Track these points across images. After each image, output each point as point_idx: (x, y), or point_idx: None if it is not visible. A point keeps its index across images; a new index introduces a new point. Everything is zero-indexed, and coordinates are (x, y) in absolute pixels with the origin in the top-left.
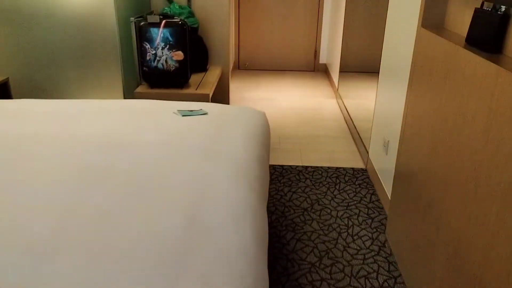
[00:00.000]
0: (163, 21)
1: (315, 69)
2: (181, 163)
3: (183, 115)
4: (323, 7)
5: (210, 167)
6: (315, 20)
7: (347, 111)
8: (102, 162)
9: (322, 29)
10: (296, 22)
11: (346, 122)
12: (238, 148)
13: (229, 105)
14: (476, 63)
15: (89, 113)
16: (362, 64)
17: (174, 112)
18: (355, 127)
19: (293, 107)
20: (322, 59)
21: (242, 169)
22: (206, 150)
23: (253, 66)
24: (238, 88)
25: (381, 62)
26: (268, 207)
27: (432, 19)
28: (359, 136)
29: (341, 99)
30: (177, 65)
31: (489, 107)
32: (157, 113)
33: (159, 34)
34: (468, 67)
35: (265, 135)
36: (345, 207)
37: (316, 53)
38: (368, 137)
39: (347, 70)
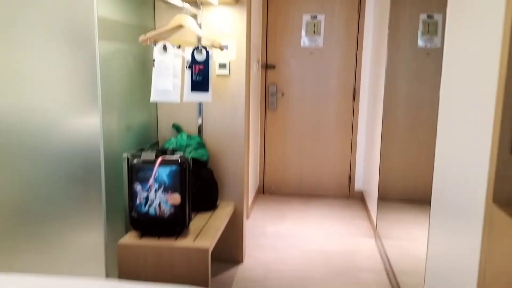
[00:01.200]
0: (159, 159)
1: (350, 196)
2: None
3: None
4: (357, 126)
5: None
6: (349, 140)
7: (388, 259)
8: None
9: (357, 151)
10: (328, 143)
11: (388, 275)
12: None
13: None
14: None
15: None
16: (405, 191)
17: None
18: (398, 285)
19: (321, 249)
20: (358, 185)
21: None
22: None
23: (279, 190)
24: (260, 220)
25: (432, 190)
26: None
27: None
28: None
29: (380, 240)
30: (172, 210)
31: None
32: None
33: (153, 174)
34: None
35: None
36: None
37: (350, 178)
38: None
39: (387, 198)
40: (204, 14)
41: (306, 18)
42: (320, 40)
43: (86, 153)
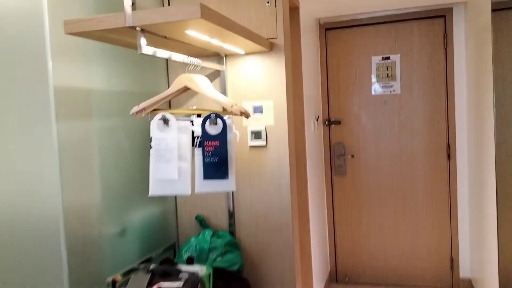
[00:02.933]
0: (155, 286)
1: (454, 286)
2: None
3: None
4: (456, 194)
5: None
6: (446, 212)
7: None
8: None
9: (459, 226)
10: (417, 216)
11: None
12: None
13: None
14: None
15: None
16: None
17: None
18: None
19: None
20: (464, 272)
21: None
22: None
23: (357, 278)
24: None
25: None
26: None
27: None
28: None
29: None
30: None
31: None
32: None
33: None
34: None
35: None
36: None
37: (452, 263)
38: None
39: None
40: (230, 68)
41: (376, 60)
42: (396, 86)
43: (44, 278)
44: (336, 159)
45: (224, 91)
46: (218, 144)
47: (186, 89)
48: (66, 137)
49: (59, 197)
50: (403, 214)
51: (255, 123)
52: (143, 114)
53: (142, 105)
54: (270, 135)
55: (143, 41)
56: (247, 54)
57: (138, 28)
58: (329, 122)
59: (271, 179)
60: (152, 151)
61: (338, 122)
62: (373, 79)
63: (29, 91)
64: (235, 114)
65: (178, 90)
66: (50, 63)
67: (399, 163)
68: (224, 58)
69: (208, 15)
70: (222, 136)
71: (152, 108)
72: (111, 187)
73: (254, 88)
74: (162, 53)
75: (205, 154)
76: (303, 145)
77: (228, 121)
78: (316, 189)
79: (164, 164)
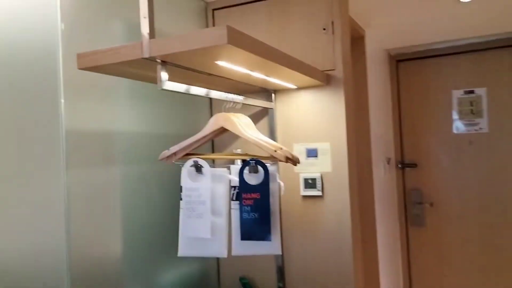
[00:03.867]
0: None
1: None
2: None
3: None
4: None
5: None
6: None
7: None
8: None
9: None
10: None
11: None
12: None
13: None
14: None
15: None
16: None
17: None
18: None
19: None
20: None
21: None
22: None
23: None
24: None
25: None
26: None
27: None
28: None
29: None
30: None
31: None
32: None
33: None
34: None
35: None
36: None
37: None
38: None
39: None
40: (279, 105)
41: (457, 94)
42: (483, 123)
43: None
44: (412, 208)
45: (272, 132)
46: (259, 196)
47: (223, 130)
48: (78, 185)
49: (64, 253)
50: (494, 274)
51: (309, 169)
52: (174, 159)
53: (173, 149)
54: (327, 183)
55: (163, 75)
56: (299, 88)
57: (158, 60)
58: (403, 165)
59: (329, 236)
60: (182, 204)
61: (413, 165)
62: (454, 116)
63: (39, 133)
64: (280, 161)
65: (213, 132)
66: (62, 102)
67: (488, 213)
68: (273, 94)
69: (239, 40)
70: (264, 187)
71: (184, 153)
72: (136, 243)
73: (308, 128)
74: (189, 90)
75: (243, 208)
76: (370, 193)
77: (271, 169)
78: (388, 242)
79: (195, 219)
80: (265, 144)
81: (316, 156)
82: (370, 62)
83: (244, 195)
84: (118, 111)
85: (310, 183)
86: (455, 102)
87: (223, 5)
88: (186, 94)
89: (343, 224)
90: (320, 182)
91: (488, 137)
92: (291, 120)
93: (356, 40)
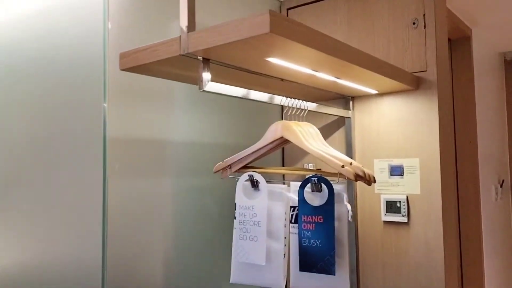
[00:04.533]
0: None
1: None
2: None
3: None
4: None
5: None
6: None
7: None
8: None
9: None
10: None
11: None
12: None
13: None
14: None
15: None
16: None
17: None
18: None
19: None
20: None
21: None
22: None
23: None
24: None
25: None
26: None
27: None
28: None
29: None
30: None
31: None
32: None
33: None
34: None
35: None
36: None
37: None
38: None
39: None
40: (358, 114)
41: None
42: None
43: None
44: None
45: (349, 145)
46: (321, 220)
47: (285, 141)
48: (119, 194)
49: (99, 266)
50: None
51: (393, 189)
52: (229, 172)
53: (228, 160)
54: (414, 207)
55: (205, 75)
56: (382, 94)
57: (199, 57)
58: None
59: (415, 273)
60: (235, 223)
61: None
62: None
63: (83, 140)
64: (348, 179)
65: (272, 142)
66: (104, 106)
67: None
68: (351, 101)
69: (287, 29)
70: (327, 209)
71: (241, 165)
72: (183, 264)
73: (392, 141)
74: (232, 91)
75: (302, 233)
76: (476, 221)
77: (337, 188)
78: (502, 285)
79: (249, 242)
80: (330, 158)
81: (401, 175)
82: (478, 67)
83: (304, 217)
84: (170, 118)
85: (393, 207)
86: None
87: (297, 4)
88: (252, 101)
89: (434, 258)
90: (406, 206)
91: None
92: (371, 131)
93: (460, 41)
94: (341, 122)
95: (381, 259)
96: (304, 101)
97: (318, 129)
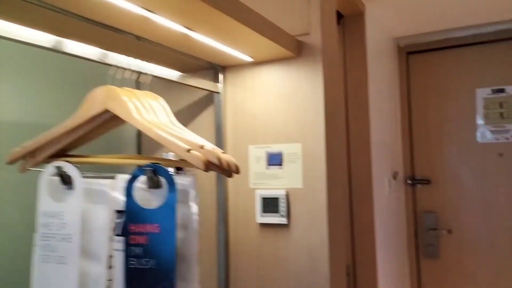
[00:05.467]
0: None
1: None
2: None
3: None
4: None
5: None
6: None
7: None
8: None
9: None
10: None
11: None
12: None
13: None
14: None
15: None
16: None
17: None
18: None
19: None
20: None
21: None
22: None
23: None
24: None
25: None
26: None
27: None
28: None
29: None
30: None
31: None
32: None
33: None
34: None
35: None
36: None
37: None
38: None
39: None
40: (230, 89)
41: (483, 93)
42: None
43: None
44: (425, 235)
45: (219, 128)
46: (157, 230)
47: (113, 116)
48: None
49: None
50: None
51: (270, 183)
52: (32, 163)
53: (30, 146)
54: (296, 205)
55: None
56: (258, 63)
57: None
58: (414, 181)
59: (297, 286)
60: (36, 238)
61: (426, 182)
62: (479, 121)
63: None
64: (196, 167)
65: (92, 117)
66: None
67: None
68: (222, 73)
69: None
70: (166, 213)
71: (50, 153)
72: None
73: (269, 122)
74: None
75: (129, 251)
76: (369, 216)
77: (182, 183)
78: (392, 280)
79: (55, 266)
80: (170, 139)
81: (280, 165)
82: (372, 50)
83: (132, 227)
84: None
85: (270, 205)
86: (480, 103)
87: None
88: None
89: (317, 270)
90: (285, 204)
91: None
92: (246, 110)
93: (353, 18)
94: (210, 99)
95: (255, 271)
96: (151, 64)
97: (183, 109)
